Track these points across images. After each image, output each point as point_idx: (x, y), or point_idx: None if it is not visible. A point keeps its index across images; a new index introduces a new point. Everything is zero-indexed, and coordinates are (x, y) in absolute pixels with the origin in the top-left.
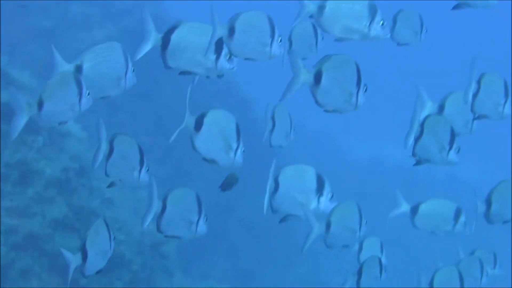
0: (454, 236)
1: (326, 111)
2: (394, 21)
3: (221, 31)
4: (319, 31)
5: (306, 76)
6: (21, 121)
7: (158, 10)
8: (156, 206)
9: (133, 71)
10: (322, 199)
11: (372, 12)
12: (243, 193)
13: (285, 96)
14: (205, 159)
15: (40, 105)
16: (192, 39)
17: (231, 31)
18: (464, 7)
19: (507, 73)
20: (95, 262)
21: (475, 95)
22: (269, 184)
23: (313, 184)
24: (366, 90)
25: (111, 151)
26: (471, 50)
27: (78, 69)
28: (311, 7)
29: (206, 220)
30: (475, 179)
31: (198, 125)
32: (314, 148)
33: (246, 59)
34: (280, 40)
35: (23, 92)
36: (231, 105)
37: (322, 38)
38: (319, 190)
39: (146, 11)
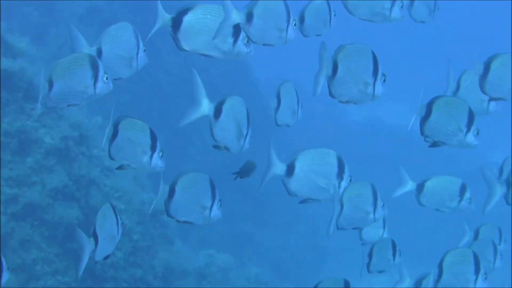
0: (459, 212)
1: (340, 102)
2: None
3: (237, 17)
4: (332, 7)
5: (327, 69)
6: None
7: None
8: (162, 190)
9: (144, 51)
10: (343, 183)
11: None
12: (241, 157)
13: (316, 91)
14: (216, 146)
15: (50, 84)
16: (208, 21)
17: (249, 16)
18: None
19: None
20: (104, 247)
21: (485, 77)
22: (272, 168)
23: (335, 168)
24: (384, 80)
25: (115, 133)
26: (470, 48)
27: (99, 52)
28: None
29: (221, 205)
30: None
31: (217, 112)
32: (310, 110)
33: (264, 44)
34: (295, 24)
35: (22, 59)
36: (230, 68)
37: (334, 15)
38: (340, 174)
39: None
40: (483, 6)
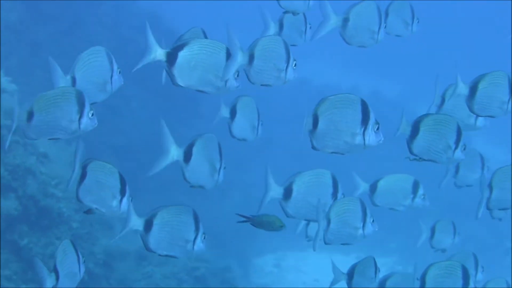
0: (414, 209)
1: (324, 152)
2: (386, 13)
3: (242, 59)
4: (307, 19)
5: (308, 124)
6: (12, 127)
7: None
8: (133, 223)
9: (120, 72)
10: None
11: (381, 22)
12: (173, 126)
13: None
14: (193, 186)
15: (30, 115)
16: (204, 57)
17: (251, 58)
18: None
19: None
20: (65, 283)
21: (472, 97)
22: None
23: (330, 189)
24: (378, 128)
25: (83, 175)
26: (471, 50)
27: (73, 80)
28: (336, 20)
29: (205, 238)
30: (396, 95)
31: (187, 156)
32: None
33: (262, 85)
34: (295, 65)
35: None
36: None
37: (310, 27)
38: (334, 194)
39: (147, 25)
40: (482, 7)
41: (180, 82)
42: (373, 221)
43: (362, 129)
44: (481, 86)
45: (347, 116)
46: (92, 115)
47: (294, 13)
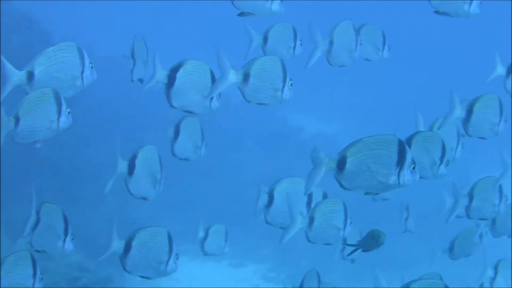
0: None
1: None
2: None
3: (234, 77)
4: (298, 35)
5: (328, 165)
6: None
7: None
8: (116, 246)
9: (92, 68)
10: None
11: (357, 40)
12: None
13: (309, 189)
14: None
15: (17, 121)
16: (195, 79)
17: (246, 76)
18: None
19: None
20: None
21: (468, 120)
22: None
23: (305, 197)
24: (414, 167)
25: (37, 221)
26: (471, 50)
27: (30, 75)
28: (325, 44)
29: (178, 258)
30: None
31: (131, 168)
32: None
33: (258, 104)
34: (291, 85)
35: None
36: (32, 37)
37: (301, 44)
38: (309, 203)
39: (155, 53)
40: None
41: (174, 103)
42: (351, 222)
43: (397, 170)
44: (476, 108)
45: (381, 157)
46: (69, 113)
47: (247, 15)
